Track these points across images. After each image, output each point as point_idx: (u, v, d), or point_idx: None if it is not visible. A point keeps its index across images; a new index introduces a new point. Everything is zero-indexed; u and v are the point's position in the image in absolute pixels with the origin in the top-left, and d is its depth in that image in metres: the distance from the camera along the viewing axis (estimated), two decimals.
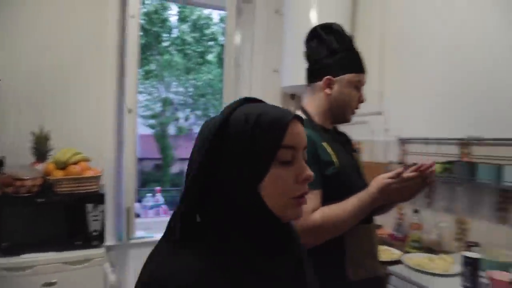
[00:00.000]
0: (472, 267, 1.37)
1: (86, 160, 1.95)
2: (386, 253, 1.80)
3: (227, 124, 0.58)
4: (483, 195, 1.77)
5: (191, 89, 12.89)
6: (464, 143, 1.83)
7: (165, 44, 10.64)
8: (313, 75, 1.19)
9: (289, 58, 2.51)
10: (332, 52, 1.15)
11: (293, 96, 2.83)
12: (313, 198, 1.01)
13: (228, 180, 0.57)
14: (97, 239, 1.84)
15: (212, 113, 13.43)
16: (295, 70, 2.14)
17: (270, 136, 0.56)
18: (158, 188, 4.22)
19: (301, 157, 0.60)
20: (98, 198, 1.85)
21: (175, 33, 10.71)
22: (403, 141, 2.17)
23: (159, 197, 3.86)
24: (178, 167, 12.77)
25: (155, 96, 11.46)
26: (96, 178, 1.91)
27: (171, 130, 13.04)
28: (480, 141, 1.76)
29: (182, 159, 13.09)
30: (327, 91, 1.16)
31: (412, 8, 2.19)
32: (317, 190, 1.05)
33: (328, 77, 1.15)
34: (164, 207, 3.77)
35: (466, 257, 1.38)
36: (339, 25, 1.20)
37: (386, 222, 2.25)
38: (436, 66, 2.02)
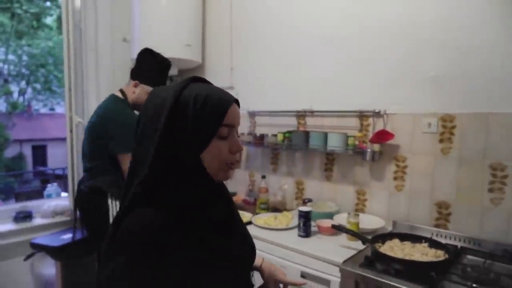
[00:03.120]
0: (305, 218, 1.63)
1: None
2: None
3: (177, 103, 0.68)
4: (314, 158, 2.10)
5: (25, 58, 10.89)
6: (301, 115, 2.12)
7: None
8: (132, 74, 1.81)
9: (138, 30, 2.37)
10: (147, 68, 1.78)
11: None
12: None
13: (177, 151, 0.68)
14: None
15: (56, 87, 11.55)
16: (145, 43, 2.03)
17: (214, 115, 0.70)
18: None
19: (235, 133, 0.75)
20: None
21: None
22: (252, 114, 2.36)
23: None
24: (15, 150, 10.82)
25: None
26: None
27: (1, 106, 10.92)
28: (311, 113, 2.07)
29: (20, 141, 11.14)
30: (133, 89, 1.79)
31: None
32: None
33: (136, 81, 1.79)
34: None
35: (300, 211, 1.64)
36: (161, 55, 1.84)
37: (240, 189, 2.45)
38: (277, 48, 2.24)
